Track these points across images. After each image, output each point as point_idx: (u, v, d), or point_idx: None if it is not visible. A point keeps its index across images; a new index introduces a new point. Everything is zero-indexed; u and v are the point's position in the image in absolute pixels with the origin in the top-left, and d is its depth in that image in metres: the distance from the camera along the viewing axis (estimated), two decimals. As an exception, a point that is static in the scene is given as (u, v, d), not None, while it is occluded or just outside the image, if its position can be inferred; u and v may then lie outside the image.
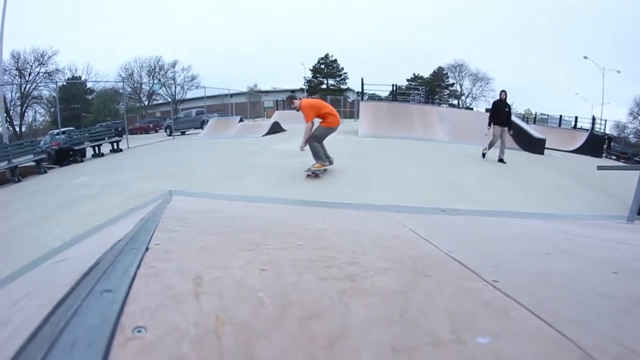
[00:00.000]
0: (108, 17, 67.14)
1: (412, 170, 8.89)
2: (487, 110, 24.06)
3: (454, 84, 60.67)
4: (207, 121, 23.59)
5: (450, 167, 9.56)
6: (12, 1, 21.04)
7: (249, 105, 38.17)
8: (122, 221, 2.71)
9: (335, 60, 57.24)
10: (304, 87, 52.72)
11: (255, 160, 10.30)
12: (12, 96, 41.38)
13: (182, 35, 73.40)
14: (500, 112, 11.08)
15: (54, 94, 41.91)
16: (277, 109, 31.06)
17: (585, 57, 41.64)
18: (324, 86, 55.72)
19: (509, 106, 11.24)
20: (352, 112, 35.42)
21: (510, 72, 67.60)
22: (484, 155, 11.30)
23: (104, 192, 8.23)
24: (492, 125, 11.09)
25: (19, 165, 12.95)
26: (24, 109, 44.97)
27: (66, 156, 14.68)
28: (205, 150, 13.67)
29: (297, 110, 7.64)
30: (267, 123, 18.02)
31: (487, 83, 58.24)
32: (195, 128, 27.35)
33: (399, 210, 3.57)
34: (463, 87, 60.36)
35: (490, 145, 11.19)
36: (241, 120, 22.63)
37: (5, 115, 37.57)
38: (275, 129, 17.35)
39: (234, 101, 38.70)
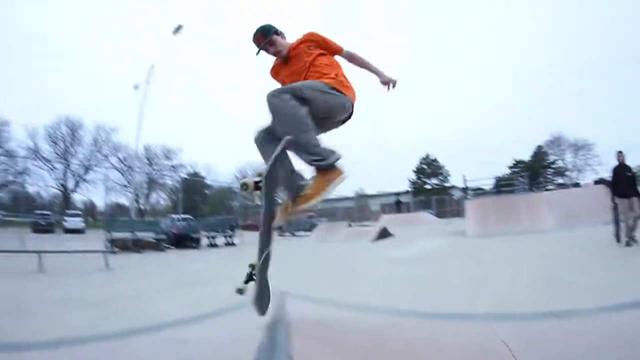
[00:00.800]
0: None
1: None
2: (596, 182, 21.87)
3: (554, 161, 53.68)
4: (317, 225, 24.29)
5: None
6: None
7: (356, 209, 38.95)
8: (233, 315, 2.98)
9: (435, 160, 55.70)
10: (409, 189, 52.15)
11: (368, 267, 10.07)
12: (141, 180, 48.08)
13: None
14: (621, 179, 8.91)
15: (177, 184, 47.23)
16: (383, 213, 30.89)
17: None
18: (428, 186, 54.12)
19: (630, 170, 9.17)
20: (457, 211, 33.75)
21: (614, 131, 55.90)
22: (618, 239, 8.85)
23: (216, 280, 8.85)
24: (615, 198, 8.95)
25: (141, 239, 14.94)
26: (149, 192, 50.83)
27: (184, 240, 16.20)
28: (316, 252, 14.07)
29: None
30: (375, 229, 18.10)
31: (589, 150, 49.92)
32: (305, 230, 27.87)
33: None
34: (566, 162, 52.98)
35: (617, 223, 8.85)
36: (349, 225, 22.91)
37: (134, 194, 42.90)
38: (384, 234, 17.38)
39: (341, 205, 39.76)
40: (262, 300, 2.51)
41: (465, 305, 5.07)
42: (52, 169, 43.13)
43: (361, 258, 11.77)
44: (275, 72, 3.04)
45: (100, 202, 47.31)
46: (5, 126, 38.95)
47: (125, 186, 46.24)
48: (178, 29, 27.02)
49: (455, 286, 6.59)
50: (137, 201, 44.46)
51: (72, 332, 4.31)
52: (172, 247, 16.08)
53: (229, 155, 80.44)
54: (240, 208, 43.95)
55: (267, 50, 2.90)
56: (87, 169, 44.95)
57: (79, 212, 33.69)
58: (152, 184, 50.73)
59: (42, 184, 43.37)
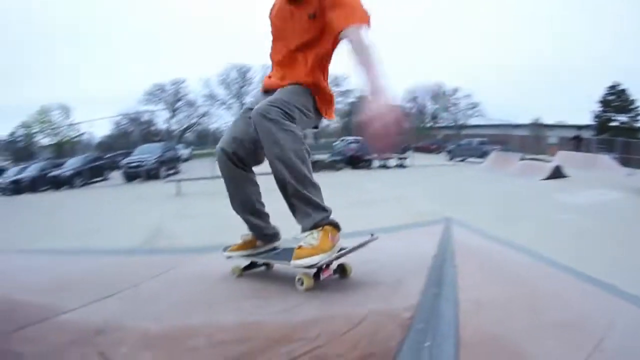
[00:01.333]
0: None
1: None
2: None
3: None
4: (489, 152, 23.07)
5: None
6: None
7: (532, 139, 36.02)
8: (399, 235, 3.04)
9: (624, 91, 43.16)
10: (592, 123, 42.86)
11: (532, 208, 9.15)
12: None
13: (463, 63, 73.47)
14: None
15: (348, 107, 49.16)
16: (560, 148, 27.46)
17: None
18: (614, 123, 42.56)
19: None
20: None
21: None
22: None
23: (385, 201, 9.23)
24: None
25: (319, 160, 16.33)
26: (322, 116, 54.28)
27: (357, 162, 17.24)
28: (484, 184, 13.49)
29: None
30: (549, 166, 16.59)
31: None
32: (476, 157, 26.64)
33: None
34: None
35: None
36: (522, 158, 21.26)
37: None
38: (557, 174, 15.86)
39: (517, 133, 36.90)
40: None
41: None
42: (228, 108, 49.74)
43: (527, 196, 10.87)
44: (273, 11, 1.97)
45: None
46: (181, 83, 48.88)
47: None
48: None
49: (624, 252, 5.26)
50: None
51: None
52: (346, 167, 17.33)
53: (399, 76, 79.49)
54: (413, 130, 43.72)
55: None
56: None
57: None
58: None
59: (221, 121, 49.99)
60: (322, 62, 1.86)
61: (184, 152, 28.75)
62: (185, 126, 51.35)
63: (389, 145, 1.37)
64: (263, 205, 1.92)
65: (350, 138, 25.92)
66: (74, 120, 44.38)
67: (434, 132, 51.08)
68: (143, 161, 18.86)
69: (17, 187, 20.36)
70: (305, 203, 1.64)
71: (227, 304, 1.57)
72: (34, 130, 43.74)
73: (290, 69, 1.85)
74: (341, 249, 1.64)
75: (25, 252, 3.77)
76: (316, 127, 2.01)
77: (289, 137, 1.58)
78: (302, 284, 1.57)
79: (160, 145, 22.59)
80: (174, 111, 49.29)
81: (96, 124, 53.54)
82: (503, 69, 67.56)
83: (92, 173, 21.05)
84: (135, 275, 2.07)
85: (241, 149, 1.78)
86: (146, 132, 46.22)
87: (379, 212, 7.66)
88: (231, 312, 1.45)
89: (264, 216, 1.93)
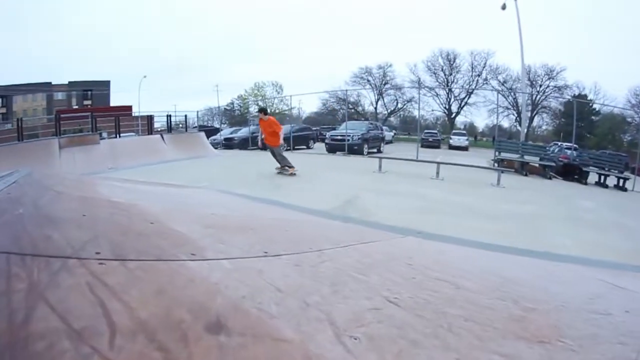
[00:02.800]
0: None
1: None
2: None
3: None
4: None
5: None
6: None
7: None
8: None
9: None
10: None
11: None
12: (524, 102, 46.03)
13: None
14: None
15: (560, 108, 43.29)
16: None
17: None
18: None
19: None
20: None
21: None
22: None
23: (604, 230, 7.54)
24: None
25: (528, 163, 14.76)
26: (532, 114, 48.59)
27: (571, 171, 14.91)
28: None
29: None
30: None
31: None
32: None
33: None
34: None
35: None
36: None
37: (517, 116, 42.57)
38: None
39: None
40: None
41: None
42: (435, 95, 48.36)
43: None
44: (260, 122, 11.52)
45: (480, 124, 50.00)
46: (389, 67, 49.80)
47: (507, 108, 46.36)
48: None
49: None
50: (519, 123, 43.77)
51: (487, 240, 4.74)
52: (558, 177, 15.05)
53: (619, 75, 66.40)
54: (632, 145, 36.33)
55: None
56: (468, 93, 47.38)
57: (464, 132, 36.15)
58: (535, 106, 48.38)
59: (428, 109, 48.85)
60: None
61: (387, 134, 29.36)
62: (390, 110, 51.92)
63: None
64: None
65: (565, 144, 23.17)
66: (285, 95, 50.21)
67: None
68: (348, 135, 19.55)
69: (229, 144, 24.08)
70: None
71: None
72: (249, 102, 51.80)
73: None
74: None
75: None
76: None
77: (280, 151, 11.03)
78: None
79: (366, 124, 23.34)
80: (380, 94, 50.12)
81: (305, 101, 59.13)
82: None
83: (297, 141, 22.81)
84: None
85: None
86: (352, 112, 48.96)
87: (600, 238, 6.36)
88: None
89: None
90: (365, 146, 19.87)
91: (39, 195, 2.07)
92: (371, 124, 24.20)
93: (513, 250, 4.23)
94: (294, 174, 10.67)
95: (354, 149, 19.10)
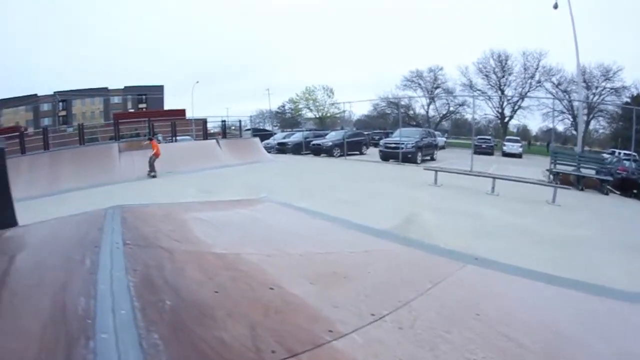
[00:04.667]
0: None
1: None
2: None
3: None
4: None
5: None
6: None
7: None
8: None
9: None
10: None
11: None
12: (579, 105, 43.34)
13: None
14: None
15: (617, 111, 40.76)
16: None
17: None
18: None
19: None
20: None
21: None
22: None
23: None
24: None
25: (585, 176, 14.14)
26: (589, 118, 46.02)
27: (631, 187, 13.82)
28: None
29: None
30: None
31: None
32: None
33: None
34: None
35: None
36: None
37: (573, 120, 40.56)
38: None
39: None
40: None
41: None
42: (488, 99, 46.28)
43: None
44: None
45: (534, 128, 48.45)
46: (440, 70, 48.81)
47: (562, 112, 44.19)
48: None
49: None
50: (574, 128, 41.70)
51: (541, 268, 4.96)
52: (616, 191, 14.25)
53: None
54: None
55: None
56: (521, 96, 45.16)
57: (518, 138, 34.95)
58: (591, 110, 45.42)
59: (480, 112, 47.06)
60: None
61: (440, 139, 29.24)
62: (442, 114, 51.03)
63: None
64: None
65: (623, 152, 22.11)
66: (336, 99, 50.55)
67: None
68: (402, 143, 19.75)
69: (282, 148, 24.77)
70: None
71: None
72: (300, 105, 52.57)
73: None
74: None
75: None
76: None
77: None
78: None
79: (420, 131, 23.46)
80: (431, 98, 49.23)
81: (355, 104, 59.23)
82: None
83: (350, 147, 23.21)
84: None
85: None
86: (403, 116, 48.62)
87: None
88: None
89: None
90: (419, 154, 20.00)
91: (158, 262, 2.14)
92: (425, 131, 24.19)
93: (570, 283, 4.39)
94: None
95: (408, 157, 19.30)
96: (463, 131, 48.01)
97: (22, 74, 64.54)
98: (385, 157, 20.47)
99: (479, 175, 13.36)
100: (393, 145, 20.34)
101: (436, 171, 12.62)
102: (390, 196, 10.25)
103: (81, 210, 9.60)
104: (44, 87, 54.58)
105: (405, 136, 20.68)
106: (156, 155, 14.76)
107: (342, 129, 33.06)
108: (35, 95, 52.47)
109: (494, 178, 11.76)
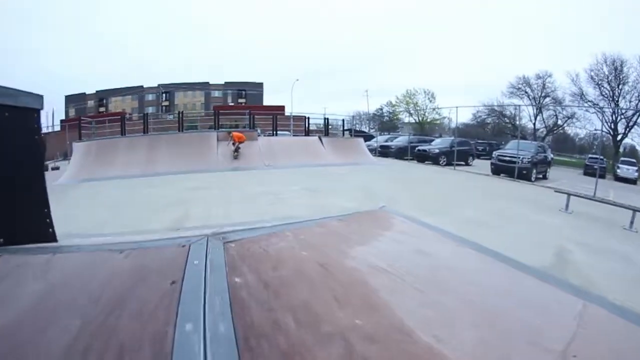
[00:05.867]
0: None
1: None
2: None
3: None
4: None
5: None
6: None
7: None
8: None
9: None
10: None
11: None
12: None
13: None
14: None
15: None
16: None
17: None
18: None
19: None
20: None
21: None
22: None
23: None
24: None
25: None
26: None
27: None
28: None
29: None
30: None
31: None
32: None
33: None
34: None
35: None
36: None
37: None
38: None
39: None
40: None
41: None
42: (599, 112, 39.96)
43: None
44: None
45: None
46: (548, 77, 43.98)
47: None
48: None
49: None
50: None
51: None
52: None
53: None
54: None
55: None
56: (637, 110, 38.79)
57: (634, 161, 30.63)
58: None
59: (590, 127, 42.08)
60: None
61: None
62: (550, 127, 45.60)
63: None
64: None
65: None
66: (437, 104, 48.20)
67: None
68: (518, 157, 17.91)
69: (385, 152, 23.73)
70: None
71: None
72: (399, 109, 51.06)
73: None
74: None
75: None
76: None
77: None
78: None
79: (535, 145, 21.10)
80: (539, 108, 44.16)
81: (457, 111, 56.53)
82: None
83: (457, 156, 21.53)
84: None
85: None
86: (508, 127, 45.25)
87: None
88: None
89: None
90: (534, 171, 18.11)
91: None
92: (539, 145, 21.87)
93: None
94: None
95: (523, 174, 17.45)
96: (565, 147, 43.55)
97: (134, 69, 70.48)
98: (497, 170, 18.76)
99: (614, 205, 11.55)
100: (507, 158, 18.51)
101: (569, 194, 11.08)
102: (522, 221, 9.00)
103: (168, 194, 9.79)
104: (151, 80, 59.25)
105: (521, 149, 18.65)
106: (239, 139, 14.81)
107: (440, 136, 31.54)
108: (142, 86, 56.72)
109: (634, 211, 10.01)
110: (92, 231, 5.92)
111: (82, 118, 22.46)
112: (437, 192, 11.80)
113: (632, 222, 9.52)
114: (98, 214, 7.50)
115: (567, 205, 10.73)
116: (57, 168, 15.80)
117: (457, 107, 21.40)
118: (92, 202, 8.90)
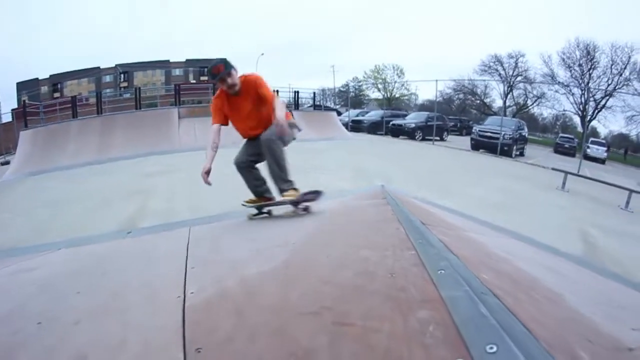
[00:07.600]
0: None
1: None
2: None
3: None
4: None
5: None
6: None
7: None
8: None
9: None
10: None
11: None
12: None
13: None
14: None
15: None
16: None
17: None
18: None
19: None
20: None
21: None
22: None
23: None
24: None
25: None
26: None
27: None
28: None
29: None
30: None
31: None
32: None
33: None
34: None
35: None
36: None
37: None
38: None
39: None
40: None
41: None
42: (570, 94, 40.70)
43: None
44: (221, 102, 3.67)
45: (602, 131, 42.75)
46: (521, 57, 43.35)
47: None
48: None
49: None
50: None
51: None
52: None
53: None
54: None
55: (224, 81, 3.44)
56: (605, 94, 38.77)
57: (604, 142, 30.88)
58: None
59: (559, 107, 42.36)
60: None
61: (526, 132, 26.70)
62: (520, 105, 45.15)
63: None
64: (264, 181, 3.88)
65: None
66: (406, 80, 47.37)
67: None
68: (498, 133, 17.24)
69: (357, 126, 22.74)
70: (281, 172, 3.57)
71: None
72: (365, 85, 49.94)
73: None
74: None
75: None
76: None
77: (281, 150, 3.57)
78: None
79: (515, 121, 20.41)
80: (510, 87, 43.41)
81: (421, 89, 55.28)
82: None
83: (431, 131, 20.75)
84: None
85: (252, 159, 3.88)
86: (476, 102, 44.99)
87: None
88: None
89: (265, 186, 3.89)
90: (515, 147, 17.72)
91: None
92: (518, 121, 21.10)
93: None
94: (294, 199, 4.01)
95: (504, 150, 16.91)
96: (535, 126, 43.80)
97: (89, 48, 65.80)
98: (477, 146, 18.15)
99: (609, 185, 11.20)
100: (489, 134, 17.84)
101: (566, 173, 10.61)
102: (534, 202, 8.29)
103: (126, 181, 8.38)
104: (107, 60, 55.36)
105: (502, 126, 17.89)
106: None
107: (406, 112, 30.91)
108: (98, 67, 53.34)
109: (630, 191, 9.70)
110: (28, 240, 4.66)
111: (28, 103, 19.40)
112: (430, 169, 11.04)
113: (627, 202, 9.24)
114: (37, 217, 6.09)
115: (563, 184, 10.27)
116: (7, 162, 13.71)
117: (436, 80, 20.64)
118: (33, 202, 7.31)
